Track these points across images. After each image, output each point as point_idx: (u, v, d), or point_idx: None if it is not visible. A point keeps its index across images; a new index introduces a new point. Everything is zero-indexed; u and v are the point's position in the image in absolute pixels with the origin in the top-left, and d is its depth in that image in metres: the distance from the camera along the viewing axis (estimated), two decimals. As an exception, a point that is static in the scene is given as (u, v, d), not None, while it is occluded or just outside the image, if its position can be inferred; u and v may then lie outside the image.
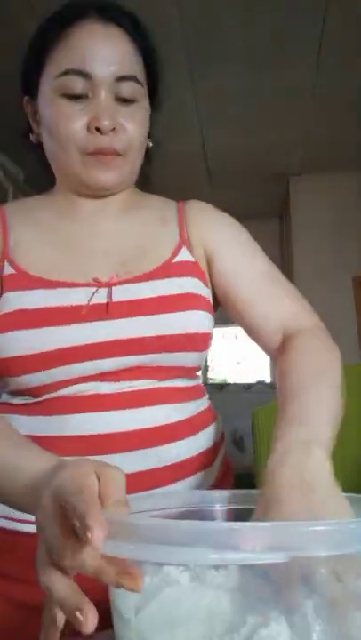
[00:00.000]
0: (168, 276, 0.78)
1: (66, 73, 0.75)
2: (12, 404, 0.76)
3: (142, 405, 0.74)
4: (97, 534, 0.39)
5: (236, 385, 5.04)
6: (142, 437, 0.73)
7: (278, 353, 0.77)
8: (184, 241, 0.83)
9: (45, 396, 0.74)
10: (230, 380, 5.36)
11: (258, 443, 1.90)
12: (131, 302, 0.75)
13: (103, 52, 0.75)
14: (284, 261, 5.16)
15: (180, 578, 0.44)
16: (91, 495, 0.44)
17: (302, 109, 3.69)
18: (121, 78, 0.76)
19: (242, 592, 0.42)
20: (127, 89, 0.76)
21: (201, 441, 0.79)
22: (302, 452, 0.55)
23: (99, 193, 0.82)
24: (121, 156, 0.77)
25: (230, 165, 4.44)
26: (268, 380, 5.12)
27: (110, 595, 0.45)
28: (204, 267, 0.83)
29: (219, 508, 0.58)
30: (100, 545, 0.39)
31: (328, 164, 4.43)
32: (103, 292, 0.75)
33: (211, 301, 0.82)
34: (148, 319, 0.74)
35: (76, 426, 0.72)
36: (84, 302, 0.73)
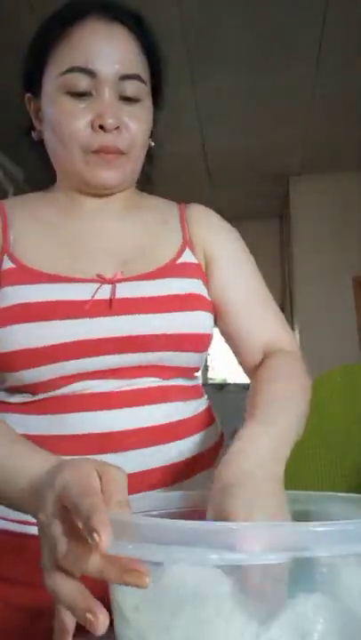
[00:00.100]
0: (172, 276, 0.78)
1: (70, 70, 0.75)
2: (9, 403, 0.75)
3: (142, 404, 0.74)
4: (104, 538, 0.39)
5: (236, 385, 5.03)
6: (142, 437, 0.72)
7: (255, 370, 0.78)
8: (187, 242, 0.83)
9: (44, 395, 0.73)
10: (230, 380, 5.35)
11: (258, 443, 1.89)
12: (134, 300, 0.74)
13: (107, 50, 0.75)
14: (284, 261, 5.16)
15: (181, 578, 0.44)
16: (96, 498, 0.43)
17: (302, 109, 3.69)
18: (125, 77, 0.76)
19: (243, 594, 0.42)
20: (131, 87, 0.76)
21: (201, 441, 0.78)
22: (261, 457, 0.56)
23: (100, 191, 0.81)
24: (124, 154, 0.77)
25: (230, 165, 4.44)
26: (268, 380, 5.11)
27: (110, 593, 0.45)
28: (204, 269, 0.83)
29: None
30: (106, 549, 0.39)
31: (328, 164, 4.43)
32: (107, 288, 0.74)
33: (211, 303, 0.82)
34: (150, 317, 0.74)
35: (75, 425, 0.71)
36: (88, 298, 0.73)
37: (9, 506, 0.58)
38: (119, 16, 0.77)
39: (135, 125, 0.77)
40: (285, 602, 0.41)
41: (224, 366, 5.57)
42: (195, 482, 0.75)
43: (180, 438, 0.76)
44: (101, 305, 0.73)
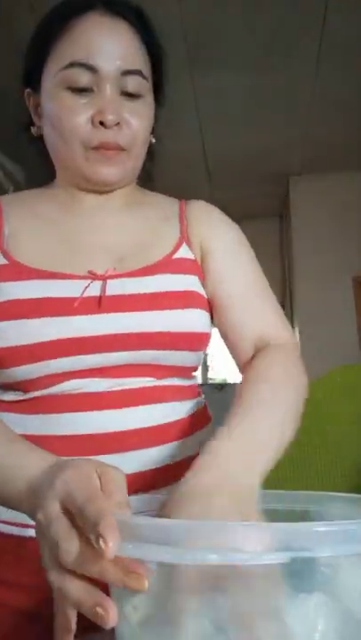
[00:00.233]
0: (166, 272, 0.76)
1: (71, 65, 0.74)
2: (2, 401, 0.74)
3: (137, 404, 0.73)
4: (111, 544, 0.39)
5: (236, 385, 5.03)
6: (138, 437, 0.71)
7: (248, 363, 0.76)
8: (185, 238, 0.82)
9: (36, 393, 0.72)
10: (230, 380, 5.35)
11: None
12: (124, 297, 0.73)
13: (109, 45, 0.74)
14: (284, 261, 5.16)
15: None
16: (103, 503, 0.43)
17: (302, 109, 3.69)
18: (126, 72, 0.75)
19: (243, 594, 0.42)
20: (132, 83, 0.75)
21: (197, 441, 0.77)
22: (230, 467, 0.54)
23: (101, 188, 0.80)
24: (125, 151, 0.76)
25: (230, 165, 4.44)
26: (267, 380, 5.11)
27: (111, 593, 0.45)
28: (200, 263, 0.81)
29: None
30: (113, 554, 0.39)
31: (328, 164, 4.43)
32: (97, 284, 0.73)
33: (207, 300, 0.80)
34: (141, 315, 0.72)
35: (67, 425, 0.70)
36: (77, 295, 0.72)
37: (5, 504, 0.57)
38: (121, 11, 0.76)
39: (136, 121, 0.76)
40: (285, 602, 0.41)
41: (224, 366, 5.58)
42: None
43: (176, 439, 0.75)
44: (91, 302, 0.72)
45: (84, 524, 0.43)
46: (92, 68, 0.74)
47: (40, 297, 0.71)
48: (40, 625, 0.61)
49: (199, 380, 0.85)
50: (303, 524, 0.39)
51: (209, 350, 0.81)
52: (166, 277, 0.76)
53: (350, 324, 4.33)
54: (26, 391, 0.73)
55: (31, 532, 0.67)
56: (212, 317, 0.81)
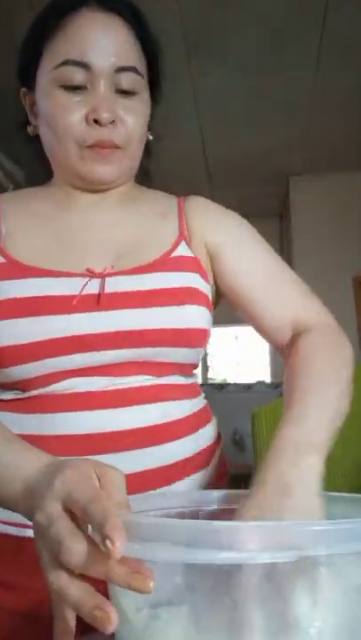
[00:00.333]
0: (164, 270, 0.76)
1: (64, 63, 0.73)
2: (0, 400, 0.74)
3: (137, 403, 0.72)
4: (118, 545, 0.39)
5: (236, 385, 5.03)
6: (138, 436, 0.71)
7: (287, 349, 0.76)
8: (183, 236, 0.81)
9: (35, 392, 0.72)
10: (230, 380, 5.35)
11: (258, 443, 1.90)
12: (123, 294, 0.73)
13: (102, 42, 0.74)
14: (284, 261, 5.15)
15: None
16: (107, 503, 0.43)
17: (302, 109, 3.69)
18: (121, 69, 0.74)
19: (243, 594, 0.42)
20: (127, 80, 0.75)
21: (200, 440, 0.77)
22: (292, 455, 0.57)
23: (97, 187, 0.80)
24: (120, 149, 0.76)
25: (230, 165, 4.44)
26: (268, 380, 5.11)
27: (110, 593, 0.45)
28: (204, 263, 0.81)
29: (218, 507, 0.58)
30: (120, 555, 0.39)
31: (328, 164, 4.43)
32: (96, 282, 0.73)
33: (210, 298, 0.80)
34: (139, 312, 0.72)
35: (65, 425, 0.70)
36: (76, 292, 0.71)
37: (1, 505, 0.57)
38: (115, 7, 0.76)
39: (132, 119, 0.75)
40: (285, 602, 0.41)
41: (224, 366, 5.58)
42: (191, 482, 0.74)
43: (179, 437, 0.74)
44: (90, 300, 0.72)
45: (88, 524, 0.42)
46: (85, 66, 0.73)
47: (38, 295, 0.71)
48: (39, 627, 0.60)
49: (200, 380, 0.85)
50: (303, 524, 0.39)
51: (209, 350, 0.81)
52: (163, 275, 0.75)
53: (350, 324, 4.32)
54: (24, 390, 0.72)
55: (30, 533, 0.66)
56: (212, 313, 0.80)
